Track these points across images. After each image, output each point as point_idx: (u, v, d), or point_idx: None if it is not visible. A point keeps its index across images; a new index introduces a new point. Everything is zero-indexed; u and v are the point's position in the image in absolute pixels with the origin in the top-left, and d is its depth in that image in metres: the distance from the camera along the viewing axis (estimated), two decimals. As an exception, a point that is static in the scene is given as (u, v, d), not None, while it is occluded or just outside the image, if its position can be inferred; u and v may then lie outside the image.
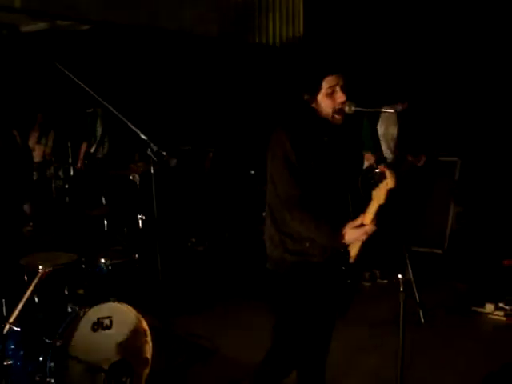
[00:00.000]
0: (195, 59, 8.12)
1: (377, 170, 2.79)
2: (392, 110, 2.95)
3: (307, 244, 3.06)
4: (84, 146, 7.10)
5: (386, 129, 6.41)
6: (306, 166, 3.02)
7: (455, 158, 7.81)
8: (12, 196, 5.70)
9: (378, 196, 2.80)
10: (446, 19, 7.59)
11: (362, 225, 2.87)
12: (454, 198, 7.76)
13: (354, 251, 2.98)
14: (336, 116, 3.05)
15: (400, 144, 6.54)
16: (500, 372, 4.15)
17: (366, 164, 6.32)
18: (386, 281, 6.71)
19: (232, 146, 8.30)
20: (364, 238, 2.89)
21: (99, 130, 7.15)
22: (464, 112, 7.58)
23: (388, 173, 2.73)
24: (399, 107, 6.30)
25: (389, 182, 2.73)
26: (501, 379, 4.23)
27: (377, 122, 6.33)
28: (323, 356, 3.46)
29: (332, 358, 3.54)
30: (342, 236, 2.89)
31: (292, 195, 3.00)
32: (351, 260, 3.00)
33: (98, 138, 7.10)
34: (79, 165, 6.87)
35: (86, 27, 7.40)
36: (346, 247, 2.98)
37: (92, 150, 7.11)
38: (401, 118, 6.46)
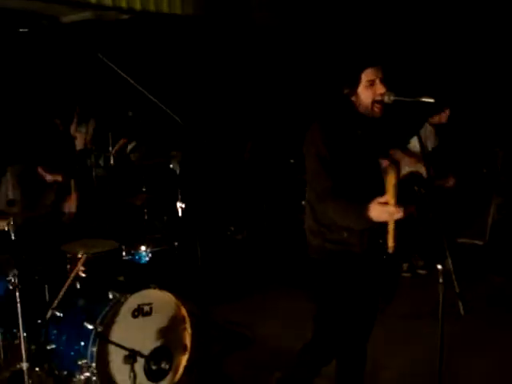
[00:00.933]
0: (235, 48, 8.12)
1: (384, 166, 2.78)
2: (432, 100, 2.90)
3: (345, 234, 3.09)
4: (122, 142, 7.12)
5: (424, 141, 6.30)
6: (339, 160, 3.04)
7: (497, 149, 7.68)
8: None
9: (388, 190, 2.77)
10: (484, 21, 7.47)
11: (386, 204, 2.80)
12: (496, 189, 7.64)
13: (390, 241, 2.96)
14: (375, 108, 3.05)
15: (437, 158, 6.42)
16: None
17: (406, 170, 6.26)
18: (425, 271, 6.66)
19: (271, 135, 8.30)
20: (387, 218, 2.81)
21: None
22: (506, 103, 7.46)
23: (390, 168, 2.70)
24: (436, 119, 6.25)
25: (390, 179, 2.72)
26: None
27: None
28: (364, 345, 3.46)
29: (370, 349, 3.54)
30: (368, 211, 2.83)
31: (325, 187, 3.02)
32: (390, 250, 2.98)
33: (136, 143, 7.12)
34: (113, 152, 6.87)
35: (125, 17, 7.45)
36: (383, 237, 2.96)
37: (128, 149, 7.12)
38: (440, 133, 6.38)
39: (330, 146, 3.03)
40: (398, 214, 2.76)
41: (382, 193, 2.89)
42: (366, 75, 3.03)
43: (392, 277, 3.14)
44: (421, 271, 6.66)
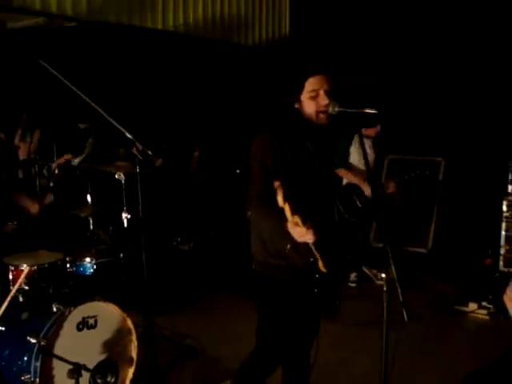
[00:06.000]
0: (180, 59, 8.10)
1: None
2: (375, 111, 2.94)
3: (288, 246, 3.01)
4: (67, 157, 7.02)
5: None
6: (285, 170, 3.03)
7: (439, 158, 7.85)
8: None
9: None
10: (429, 22, 7.62)
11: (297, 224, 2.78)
12: (438, 198, 7.80)
13: (319, 262, 2.96)
14: (321, 115, 3.05)
15: (376, 169, 6.46)
16: (480, 372, 4.18)
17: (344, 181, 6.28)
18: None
19: (217, 145, 8.30)
20: (298, 239, 2.80)
21: (87, 149, 7.08)
22: (448, 112, 7.63)
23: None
24: (372, 133, 6.27)
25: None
26: (482, 378, 4.26)
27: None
28: (307, 354, 3.46)
29: (319, 357, 3.55)
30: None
31: (258, 192, 3.00)
32: (322, 270, 2.96)
33: (86, 155, 7.04)
34: (55, 170, 6.73)
35: (72, 24, 7.36)
36: (313, 256, 2.95)
37: (75, 163, 7.02)
38: (376, 143, 6.40)
39: (277, 157, 3.02)
40: (308, 235, 2.75)
41: (328, 201, 2.91)
42: (310, 84, 3.03)
43: (331, 291, 3.14)
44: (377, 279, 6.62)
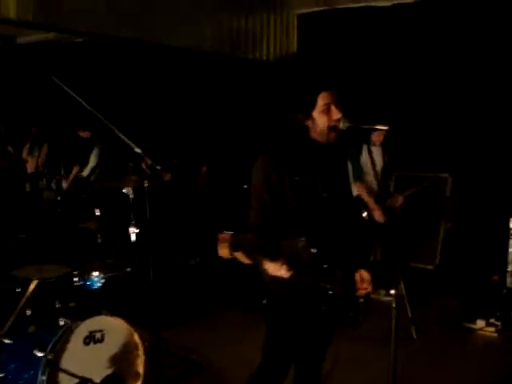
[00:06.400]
0: (189, 73, 8.14)
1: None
2: (386, 127, 2.94)
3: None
4: (76, 170, 7.05)
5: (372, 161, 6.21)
6: (284, 199, 3.03)
7: (446, 175, 7.84)
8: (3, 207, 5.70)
9: None
10: (433, 36, 7.62)
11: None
12: (445, 215, 7.78)
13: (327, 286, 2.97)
14: (331, 132, 3.03)
15: (385, 177, 6.39)
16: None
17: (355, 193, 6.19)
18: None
19: (225, 161, 8.31)
20: (274, 273, 2.83)
21: (93, 159, 7.13)
22: (455, 128, 7.62)
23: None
24: (380, 137, 6.14)
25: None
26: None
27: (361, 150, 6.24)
28: (319, 366, 3.44)
29: (323, 373, 3.54)
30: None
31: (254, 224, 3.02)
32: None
33: (93, 165, 7.08)
34: (67, 185, 6.75)
35: (80, 39, 7.42)
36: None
37: (85, 174, 7.06)
38: (385, 149, 6.30)
39: (274, 189, 3.02)
40: (282, 271, 2.78)
41: (336, 221, 2.89)
42: (322, 99, 3.00)
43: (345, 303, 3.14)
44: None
